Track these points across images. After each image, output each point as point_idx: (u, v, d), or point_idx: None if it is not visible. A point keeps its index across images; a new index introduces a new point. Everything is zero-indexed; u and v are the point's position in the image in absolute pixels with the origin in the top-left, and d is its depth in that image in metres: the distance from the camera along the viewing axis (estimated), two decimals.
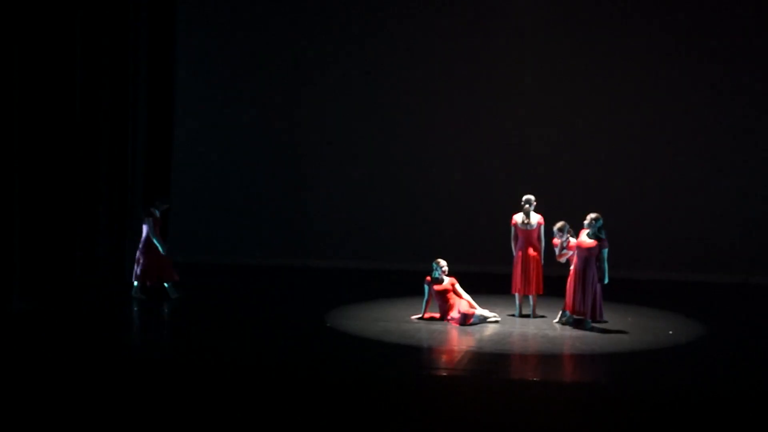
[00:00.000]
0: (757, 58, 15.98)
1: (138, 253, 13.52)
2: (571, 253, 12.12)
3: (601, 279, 11.85)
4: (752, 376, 9.92)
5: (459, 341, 11.40)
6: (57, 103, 13.16)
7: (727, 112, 16.09)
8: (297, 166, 17.13)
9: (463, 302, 12.28)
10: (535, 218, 12.51)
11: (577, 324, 12.04)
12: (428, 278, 12.41)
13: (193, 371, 9.77)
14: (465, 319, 12.09)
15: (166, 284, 13.55)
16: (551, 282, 12.69)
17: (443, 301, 12.34)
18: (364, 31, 16.94)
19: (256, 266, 16.63)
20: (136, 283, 13.53)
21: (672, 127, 16.26)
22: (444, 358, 10.92)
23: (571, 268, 12.08)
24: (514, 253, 12.59)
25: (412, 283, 13.44)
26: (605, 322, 12.12)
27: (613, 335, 11.68)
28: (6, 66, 12.10)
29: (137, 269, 13.47)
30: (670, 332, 11.91)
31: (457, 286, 12.38)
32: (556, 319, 12.34)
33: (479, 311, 12.27)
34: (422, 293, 12.44)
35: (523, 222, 12.50)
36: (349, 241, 16.95)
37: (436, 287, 12.36)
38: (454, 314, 12.20)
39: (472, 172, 16.70)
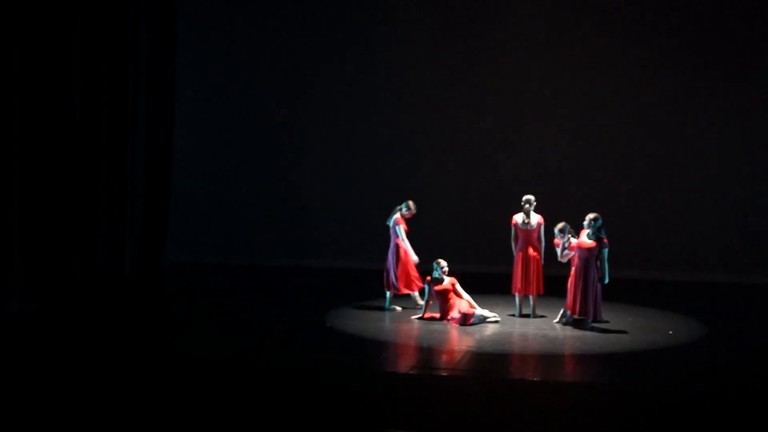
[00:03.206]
0: (758, 60, 15.97)
1: (388, 261, 12.86)
2: (572, 253, 12.12)
3: (602, 279, 11.85)
4: (752, 376, 9.92)
5: (459, 341, 11.39)
6: (57, 104, 13.15)
7: (728, 112, 16.08)
8: (297, 166, 17.14)
9: (464, 302, 12.28)
10: (535, 218, 12.52)
11: (577, 324, 12.04)
12: (428, 278, 12.41)
13: (192, 371, 9.77)
14: (465, 319, 12.09)
15: (387, 292, 12.96)
16: (551, 282, 12.68)
17: (443, 301, 12.34)
18: (365, 31, 16.94)
19: (256, 266, 16.63)
20: (388, 293, 12.90)
21: (672, 127, 16.25)
22: (444, 358, 10.90)
23: (572, 268, 12.09)
24: (514, 253, 12.60)
25: None
26: (606, 322, 12.13)
27: (613, 335, 11.67)
28: (6, 67, 12.10)
29: (392, 278, 12.82)
30: (670, 332, 11.91)
31: (458, 286, 12.38)
32: (557, 319, 12.34)
33: (479, 311, 12.27)
34: (422, 293, 12.44)
35: (523, 222, 12.51)
36: (349, 240, 16.94)
37: (437, 287, 12.36)
38: (454, 314, 12.19)
39: (473, 172, 16.69)
